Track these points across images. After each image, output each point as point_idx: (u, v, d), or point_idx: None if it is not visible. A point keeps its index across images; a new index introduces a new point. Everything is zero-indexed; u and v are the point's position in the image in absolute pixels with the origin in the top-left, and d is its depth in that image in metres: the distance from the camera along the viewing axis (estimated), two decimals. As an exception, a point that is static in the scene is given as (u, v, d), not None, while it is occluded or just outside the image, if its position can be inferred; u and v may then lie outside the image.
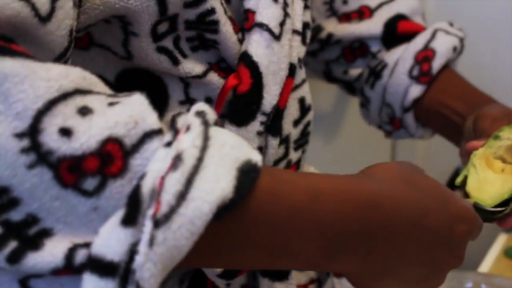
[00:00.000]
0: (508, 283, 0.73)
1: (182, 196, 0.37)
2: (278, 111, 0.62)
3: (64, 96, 0.38)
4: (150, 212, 0.37)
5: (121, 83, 0.56)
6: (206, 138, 0.40)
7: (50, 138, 0.37)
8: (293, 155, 0.67)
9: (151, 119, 0.39)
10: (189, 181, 0.38)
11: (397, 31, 0.82)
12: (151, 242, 0.36)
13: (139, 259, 0.36)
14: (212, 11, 0.55)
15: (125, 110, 0.39)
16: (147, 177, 0.38)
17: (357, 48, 0.85)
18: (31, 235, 0.37)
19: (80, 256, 0.38)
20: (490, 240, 1.07)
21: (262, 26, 0.59)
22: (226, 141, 0.41)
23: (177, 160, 0.38)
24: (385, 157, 1.40)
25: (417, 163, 1.42)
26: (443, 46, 0.79)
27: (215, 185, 0.38)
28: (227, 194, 0.39)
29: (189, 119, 0.41)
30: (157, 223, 0.37)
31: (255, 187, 0.41)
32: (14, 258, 0.37)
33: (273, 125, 0.62)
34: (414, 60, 0.79)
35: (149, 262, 0.36)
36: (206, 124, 0.41)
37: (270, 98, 0.60)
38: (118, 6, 0.49)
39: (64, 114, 0.38)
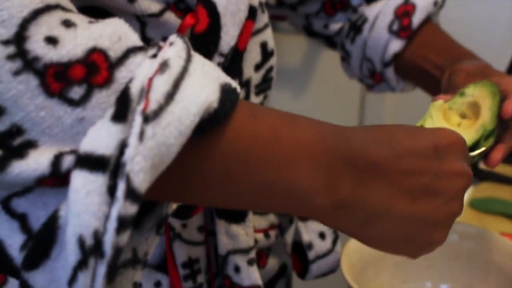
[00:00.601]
0: (471, 229, 0.75)
1: (170, 96, 0.38)
2: (238, 53, 0.61)
3: (48, 8, 0.38)
4: (140, 108, 0.37)
5: None
6: (189, 53, 0.40)
7: (37, 45, 0.37)
8: (254, 100, 0.67)
9: (133, 37, 0.40)
10: (176, 84, 0.38)
11: None
12: (141, 136, 0.36)
13: (129, 151, 0.36)
14: None
15: (108, 27, 0.39)
16: (135, 79, 0.38)
17: (338, 2, 0.84)
18: (15, 145, 0.37)
19: (67, 162, 0.37)
20: None
21: None
22: (207, 62, 0.41)
23: (163, 66, 0.38)
24: (354, 112, 1.41)
25: (385, 119, 1.45)
26: (423, 0, 0.79)
27: (201, 90, 0.39)
28: (212, 102, 0.39)
29: (171, 38, 0.41)
30: (147, 118, 0.37)
31: (236, 107, 0.41)
32: None
33: (231, 67, 0.61)
34: (394, 15, 0.79)
35: (139, 155, 0.36)
36: (187, 43, 0.41)
37: (228, 39, 0.59)
38: None
39: (49, 24, 0.38)
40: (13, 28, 0.37)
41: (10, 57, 0.37)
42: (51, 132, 0.37)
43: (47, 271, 0.38)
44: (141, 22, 0.56)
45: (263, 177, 0.42)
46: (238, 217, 0.61)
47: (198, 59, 0.41)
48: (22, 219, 0.39)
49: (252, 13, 0.61)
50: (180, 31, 0.57)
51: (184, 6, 0.58)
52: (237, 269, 0.62)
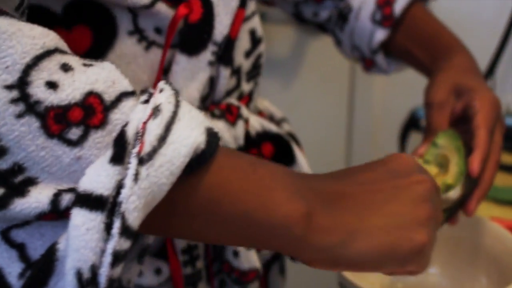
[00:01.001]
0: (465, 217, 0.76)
1: (162, 139, 0.41)
2: (230, 42, 0.62)
3: (48, 53, 0.41)
4: (135, 150, 0.40)
5: (69, 15, 0.55)
6: (177, 99, 0.44)
7: (38, 90, 0.40)
8: (245, 87, 0.68)
9: (125, 82, 0.43)
10: (167, 128, 0.41)
11: None
12: (136, 177, 0.39)
13: (125, 192, 0.39)
14: None
15: (103, 71, 0.42)
16: (130, 123, 0.41)
17: None
18: (17, 183, 0.40)
19: (66, 200, 0.40)
20: None
21: None
22: (192, 107, 0.45)
23: (155, 110, 0.41)
24: (343, 100, 1.42)
25: (374, 105, 1.45)
26: None
27: (190, 133, 0.42)
28: (200, 144, 0.42)
29: (160, 85, 0.44)
30: (141, 161, 0.40)
31: (218, 150, 0.44)
32: (2, 203, 0.40)
33: (224, 55, 0.62)
34: (376, 5, 0.79)
35: (133, 195, 0.39)
36: (175, 90, 0.45)
37: (221, 28, 0.60)
38: None
39: (49, 69, 0.41)
40: (17, 74, 0.40)
41: (14, 101, 0.40)
42: (50, 170, 0.40)
43: None
44: (133, 13, 0.57)
45: (244, 205, 0.44)
46: None
47: (185, 105, 0.44)
48: (20, 249, 0.42)
49: (243, 1, 0.62)
50: (174, 21, 0.57)
51: None
52: (235, 253, 0.64)
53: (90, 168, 0.40)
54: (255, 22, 0.67)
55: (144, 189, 0.40)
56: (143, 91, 0.44)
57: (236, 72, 0.66)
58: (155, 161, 0.40)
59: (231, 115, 0.64)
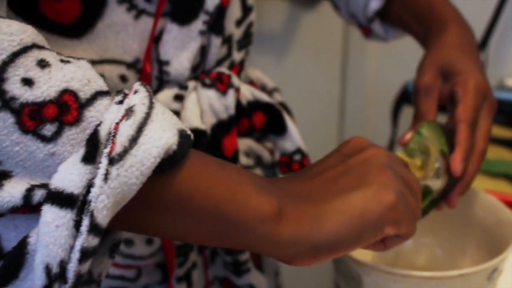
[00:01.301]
0: None
1: (134, 140, 0.42)
2: (221, 10, 0.62)
3: (25, 49, 0.42)
4: (106, 150, 0.41)
5: None
6: (151, 101, 0.44)
7: (14, 86, 0.41)
8: (236, 56, 0.68)
9: (100, 81, 0.44)
10: (139, 129, 0.42)
11: None
12: (106, 177, 0.41)
13: (94, 191, 0.40)
14: None
15: (79, 70, 0.43)
16: (103, 123, 0.42)
17: None
18: None
19: (38, 195, 0.41)
20: None
21: None
22: (166, 110, 0.46)
23: (129, 111, 0.42)
24: (336, 75, 1.42)
25: (367, 78, 1.45)
26: None
27: (162, 134, 0.43)
28: (172, 145, 0.43)
29: (135, 86, 0.45)
30: (112, 161, 0.41)
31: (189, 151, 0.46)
32: None
33: (216, 24, 0.62)
34: None
35: (103, 194, 0.40)
36: (149, 92, 0.45)
37: None
38: None
39: (26, 66, 0.41)
40: None
41: None
42: (24, 164, 0.41)
43: None
44: None
45: (215, 199, 0.45)
46: None
47: (159, 106, 0.45)
48: None
49: None
50: None
51: None
52: None
53: (63, 166, 0.41)
54: None
55: (113, 189, 0.41)
56: (118, 92, 0.45)
57: (227, 40, 0.65)
58: (125, 161, 0.41)
59: (221, 84, 0.64)
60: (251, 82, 0.76)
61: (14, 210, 0.41)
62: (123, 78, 0.60)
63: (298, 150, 0.69)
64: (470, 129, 0.64)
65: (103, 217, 0.41)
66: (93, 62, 0.59)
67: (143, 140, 0.42)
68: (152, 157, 0.42)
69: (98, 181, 0.41)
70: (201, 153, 0.48)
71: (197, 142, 0.61)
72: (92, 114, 0.42)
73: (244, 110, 0.67)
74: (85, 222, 0.40)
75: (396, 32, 0.82)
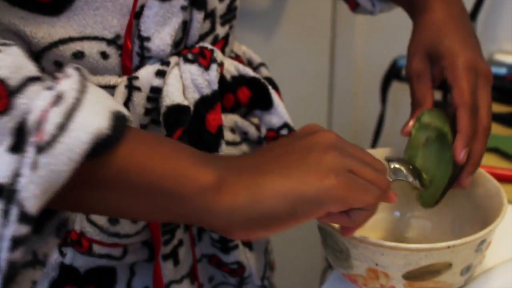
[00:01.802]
0: None
1: (62, 127, 0.42)
2: None
3: None
4: (33, 139, 0.42)
5: None
6: (83, 85, 0.45)
7: None
8: (220, 30, 0.68)
9: (31, 67, 0.44)
10: (69, 115, 0.43)
11: None
12: (34, 165, 0.41)
13: (22, 180, 0.41)
14: None
15: (8, 57, 0.43)
16: (32, 112, 0.42)
17: None
18: None
19: None
20: None
21: None
22: (100, 92, 0.46)
23: (58, 98, 0.43)
24: (325, 51, 1.42)
25: (356, 55, 1.44)
26: None
27: (93, 120, 0.43)
28: (103, 129, 0.44)
29: (67, 70, 0.46)
30: (40, 149, 0.41)
31: (126, 131, 0.46)
32: None
33: None
34: None
35: (31, 183, 0.41)
36: (83, 76, 0.46)
37: None
38: None
39: None
40: None
41: None
42: None
43: None
44: None
45: (152, 174, 0.46)
46: (211, 147, 0.63)
47: (92, 90, 0.45)
48: None
49: None
50: None
51: None
52: None
53: None
54: None
55: (42, 177, 0.41)
56: (52, 76, 0.45)
57: (210, 15, 0.65)
58: (54, 149, 0.41)
59: (204, 59, 0.64)
60: (237, 57, 0.76)
61: None
62: (104, 55, 0.60)
63: (285, 125, 0.70)
64: (470, 112, 0.63)
65: (32, 205, 0.41)
66: (73, 39, 0.59)
67: (72, 127, 0.42)
68: (82, 143, 0.42)
69: (26, 171, 0.41)
70: (139, 131, 0.49)
71: (180, 118, 0.61)
72: (22, 101, 0.43)
73: (228, 85, 0.68)
74: (14, 212, 0.41)
75: (383, 5, 0.81)
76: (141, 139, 0.48)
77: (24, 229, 0.42)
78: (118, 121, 0.45)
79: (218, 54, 0.65)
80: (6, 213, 0.41)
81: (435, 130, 0.65)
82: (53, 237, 0.51)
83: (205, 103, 0.63)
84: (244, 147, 0.73)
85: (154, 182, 0.47)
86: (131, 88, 0.61)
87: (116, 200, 0.48)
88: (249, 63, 0.80)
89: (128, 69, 0.62)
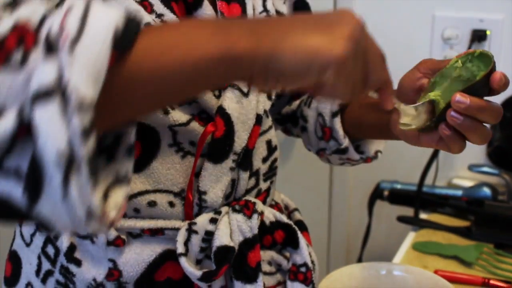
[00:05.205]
0: (415, 269, 0.79)
1: (83, 21, 0.38)
2: (248, 151, 0.64)
3: None
4: (62, 40, 0.38)
5: None
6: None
7: None
8: (263, 185, 0.69)
9: (43, 9, 0.40)
10: (85, 13, 0.38)
11: None
12: (71, 58, 0.37)
13: (66, 72, 0.36)
14: None
15: (27, 7, 0.40)
16: (52, 26, 0.38)
17: None
18: None
19: (27, 111, 0.37)
20: (402, 238, 1.09)
21: (234, 85, 0.61)
22: (107, 3, 0.41)
23: (69, 9, 0.39)
24: (325, 178, 1.41)
25: (349, 179, 1.42)
26: None
27: (106, 16, 0.39)
28: (119, 23, 0.39)
29: None
30: (71, 43, 0.37)
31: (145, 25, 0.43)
32: None
33: (243, 162, 0.64)
34: None
35: (76, 71, 0.36)
36: None
37: (240, 142, 0.62)
38: None
39: None
40: None
41: None
42: (8, 100, 0.37)
43: (46, 198, 0.38)
44: (172, 130, 0.60)
45: (177, 50, 0.41)
46: (251, 278, 0.63)
47: (96, 2, 0.40)
48: (16, 173, 0.38)
49: (258, 119, 0.64)
50: (203, 136, 0.60)
51: (205, 116, 0.61)
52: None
53: (33, 74, 0.37)
54: (271, 134, 0.69)
55: (83, 63, 0.37)
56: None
57: (255, 174, 0.67)
58: (82, 40, 0.37)
59: (248, 210, 0.64)
60: (276, 204, 0.75)
61: (16, 137, 0.37)
62: (171, 204, 0.62)
63: (305, 264, 0.69)
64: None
65: (85, 90, 0.36)
66: (148, 192, 0.60)
67: (91, 20, 0.38)
68: (105, 27, 0.38)
69: (65, 63, 0.36)
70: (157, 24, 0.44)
71: (227, 256, 0.61)
72: (45, 32, 0.39)
73: (267, 229, 0.67)
74: (72, 102, 0.36)
75: (349, 142, 0.75)
76: (159, 25, 0.44)
77: (87, 117, 0.36)
78: (133, 16, 0.40)
79: (259, 206, 0.66)
80: (65, 106, 0.36)
81: (470, 73, 0.56)
82: (127, 158, 0.43)
83: (247, 244, 0.64)
84: (278, 276, 0.71)
85: (178, 56, 0.41)
86: (191, 231, 0.61)
87: (154, 81, 0.41)
88: (286, 208, 0.79)
89: (189, 216, 0.63)
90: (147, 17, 0.45)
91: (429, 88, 0.58)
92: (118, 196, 0.41)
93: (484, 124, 0.55)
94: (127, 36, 0.39)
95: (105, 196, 0.39)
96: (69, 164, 0.36)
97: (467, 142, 0.55)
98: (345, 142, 0.75)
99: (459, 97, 0.53)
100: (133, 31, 0.40)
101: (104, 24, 0.38)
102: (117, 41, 0.38)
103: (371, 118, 0.69)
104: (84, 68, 0.36)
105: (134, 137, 0.43)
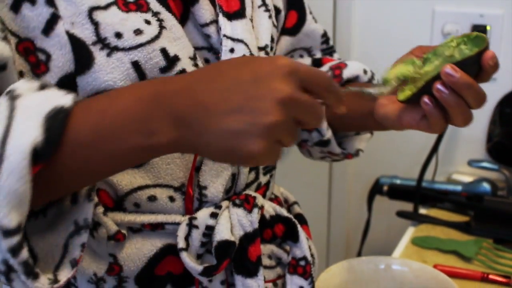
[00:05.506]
0: (414, 264, 0.76)
1: (1, 158, 0.41)
2: None
3: None
4: None
5: None
6: (12, 109, 0.43)
7: None
8: (263, 179, 0.68)
9: None
10: (3, 143, 0.41)
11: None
12: None
13: None
14: (183, 71, 0.56)
15: None
16: None
17: None
18: None
19: None
20: (401, 233, 1.08)
21: None
22: (32, 102, 0.43)
23: None
24: (325, 171, 1.44)
25: (348, 175, 1.41)
26: (354, 64, 0.76)
27: (23, 137, 0.41)
28: (37, 138, 0.41)
29: None
30: None
31: (70, 117, 0.44)
32: None
33: None
34: (329, 67, 0.77)
35: None
36: (12, 98, 0.43)
37: None
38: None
39: None
40: None
41: None
42: None
43: None
44: None
45: (110, 151, 0.44)
46: (252, 272, 0.63)
47: (21, 108, 0.43)
48: None
49: None
50: None
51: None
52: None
53: None
54: None
55: (3, 200, 0.41)
56: None
57: (255, 168, 0.67)
58: (1, 176, 0.41)
59: (248, 204, 0.64)
60: (276, 198, 0.75)
61: None
62: (171, 199, 0.61)
63: (304, 258, 0.69)
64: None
65: (8, 223, 0.41)
66: (148, 186, 0.60)
67: (8, 153, 0.41)
68: (21, 161, 0.41)
69: None
70: (82, 108, 0.45)
71: (227, 251, 0.61)
72: None
73: (267, 222, 0.67)
74: None
75: (331, 135, 0.75)
76: (84, 113, 0.44)
77: (14, 239, 0.42)
78: (53, 120, 0.42)
79: (259, 200, 0.65)
80: None
81: (462, 55, 0.55)
82: (86, 203, 0.48)
83: (248, 238, 0.63)
84: (278, 270, 0.71)
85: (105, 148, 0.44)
86: (191, 226, 0.61)
87: (88, 156, 0.44)
88: (285, 201, 0.78)
89: (189, 210, 0.62)
90: (68, 99, 0.44)
91: (419, 65, 0.58)
92: (75, 246, 0.48)
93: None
94: (49, 144, 0.42)
95: (57, 269, 0.47)
96: (8, 270, 0.44)
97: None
98: (328, 134, 0.75)
99: (450, 69, 0.53)
100: (56, 133, 0.42)
101: (21, 147, 0.41)
102: (38, 155, 0.41)
103: (353, 106, 0.68)
104: (6, 201, 0.41)
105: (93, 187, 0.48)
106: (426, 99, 0.55)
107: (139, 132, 0.44)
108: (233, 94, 0.43)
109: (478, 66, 0.54)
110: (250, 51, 0.61)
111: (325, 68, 0.78)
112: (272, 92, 0.42)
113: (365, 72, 0.77)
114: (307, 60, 0.81)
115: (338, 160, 0.82)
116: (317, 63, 0.80)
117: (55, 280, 0.47)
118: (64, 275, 0.49)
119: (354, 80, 0.76)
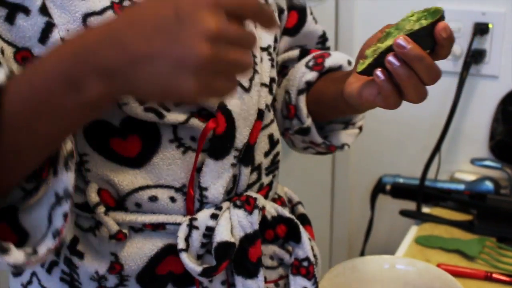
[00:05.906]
0: (417, 263, 0.78)
1: None
2: (249, 146, 0.62)
3: None
4: None
5: (124, 127, 0.58)
6: None
7: None
8: (265, 179, 0.68)
9: None
10: None
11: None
12: None
13: None
14: None
15: None
16: None
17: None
18: None
19: None
20: (404, 232, 1.08)
21: None
22: None
23: None
24: (328, 170, 1.45)
25: (351, 173, 1.41)
26: (338, 54, 0.76)
27: None
28: None
29: None
30: None
31: (3, 92, 0.45)
32: None
33: (245, 157, 0.63)
34: (312, 56, 0.76)
35: None
36: None
37: (241, 138, 0.61)
38: None
39: None
40: None
41: None
42: None
43: None
44: (173, 126, 0.59)
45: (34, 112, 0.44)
46: (252, 273, 0.63)
47: None
48: None
49: (260, 115, 0.63)
50: (204, 132, 0.60)
51: (206, 113, 0.60)
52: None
53: None
54: (273, 128, 0.68)
55: None
56: None
57: (256, 168, 0.66)
58: None
59: (249, 205, 0.64)
60: (279, 198, 0.75)
61: None
62: (172, 199, 0.61)
63: (307, 258, 0.69)
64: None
65: None
66: (149, 187, 0.60)
67: None
68: None
69: None
70: (13, 81, 0.45)
71: (227, 252, 0.61)
72: None
73: (269, 223, 0.67)
74: None
75: (311, 122, 0.74)
76: (14, 83, 0.45)
77: None
78: None
79: (260, 201, 0.65)
80: None
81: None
82: (64, 173, 0.47)
83: (248, 239, 0.63)
84: (280, 271, 0.70)
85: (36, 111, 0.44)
86: (191, 227, 0.61)
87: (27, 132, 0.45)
88: (289, 201, 0.78)
89: (190, 211, 0.62)
90: (1, 75, 0.45)
91: (382, 39, 0.57)
92: (58, 216, 0.48)
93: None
94: None
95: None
96: None
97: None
98: (308, 121, 0.74)
99: (401, 39, 0.52)
100: None
101: None
102: None
103: (329, 91, 0.69)
104: None
105: (69, 149, 0.48)
106: (378, 71, 0.55)
107: (66, 93, 0.43)
108: (157, 35, 0.41)
109: (432, 39, 0.54)
110: (253, 52, 0.61)
111: (309, 57, 0.77)
112: (197, 28, 0.40)
113: (349, 63, 0.76)
114: (296, 51, 0.80)
115: (322, 152, 0.80)
116: (305, 53, 0.80)
117: (34, 252, 0.47)
118: (44, 247, 0.48)
119: (337, 69, 0.75)
